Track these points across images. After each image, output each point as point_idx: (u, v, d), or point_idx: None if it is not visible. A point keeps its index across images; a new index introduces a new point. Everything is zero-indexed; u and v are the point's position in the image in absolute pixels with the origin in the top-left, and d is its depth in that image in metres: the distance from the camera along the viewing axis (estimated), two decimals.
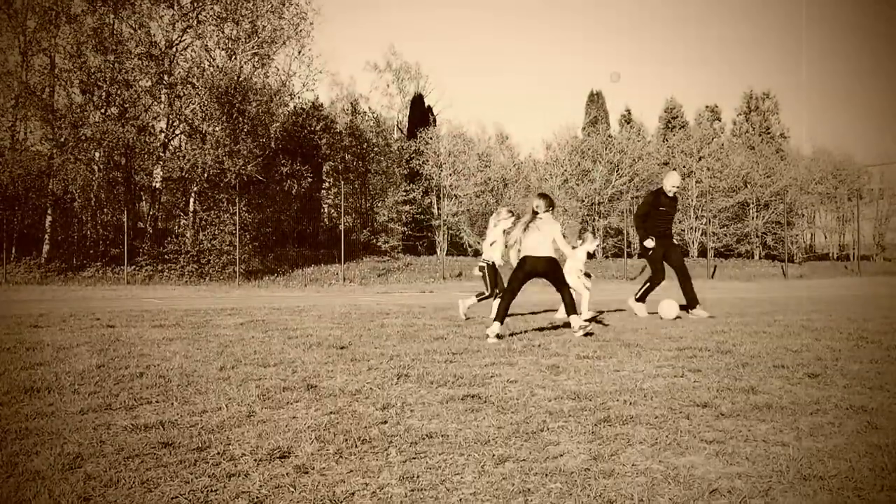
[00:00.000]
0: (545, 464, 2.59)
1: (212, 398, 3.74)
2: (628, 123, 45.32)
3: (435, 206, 35.14)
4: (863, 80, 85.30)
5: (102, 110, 24.90)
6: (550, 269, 6.64)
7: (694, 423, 3.17)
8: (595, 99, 44.25)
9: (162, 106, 25.74)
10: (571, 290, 6.91)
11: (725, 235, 39.48)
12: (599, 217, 37.64)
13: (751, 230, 40.16)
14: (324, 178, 35.22)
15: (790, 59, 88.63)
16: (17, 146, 24.26)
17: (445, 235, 33.68)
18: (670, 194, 8.87)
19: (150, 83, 25.07)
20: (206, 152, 24.37)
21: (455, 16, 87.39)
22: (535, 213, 6.71)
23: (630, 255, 34.09)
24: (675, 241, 9.32)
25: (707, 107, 47.54)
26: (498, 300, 7.65)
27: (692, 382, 4.17)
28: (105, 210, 25.75)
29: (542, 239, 6.64)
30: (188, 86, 25.06)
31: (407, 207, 33.93)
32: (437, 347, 5.72)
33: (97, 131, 23.56)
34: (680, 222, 38.71)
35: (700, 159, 39.97)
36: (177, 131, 26.94)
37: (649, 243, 8.76)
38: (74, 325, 7.76)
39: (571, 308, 6.64)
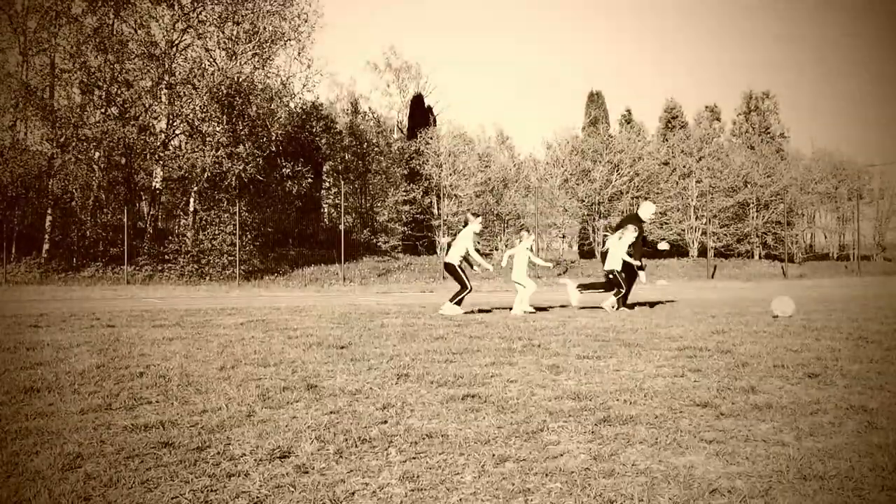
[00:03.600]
0: (545, 464, 2.59)
1: (212, 398, 3.74)
2: (628, 123, 45.30)
3: (435, 206, 35.14)
4: (863, 81, 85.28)
5: (103, 110, 24.89)
6: None
7: (694, 423, 3.17)
8: (595, 99, 44.25)
9: (162, 106, 25.72)
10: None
11: (725, 235, 39.44)
12: (599, 217, 37.63)
13: (751, 230, 40.15)
14: (324, 178, 35.21)
15: (790, 59, 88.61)
16: (17, 146, 24.24)
17: (445, 235, 33.65)
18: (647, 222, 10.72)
19: (150, 83, 25.06)
20: (206, 153, 24.37)
21: (455, 16, 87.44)
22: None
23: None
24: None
25: (707, 107, 47.55)
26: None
27: (692, 382, 4.17)
28: (105, 210, 25.72)
29: None
30: (188, 86, 25.06)
31: (407, 207, 33.94)
32: (437, 347, 5.71)
33: (97, 131, 23.55)
34: (680, 222, 38.73)
35: (700, 159, 39.94)
36: (177, 131, 26.93)
37: (664, 245, 11.04)
38: (74, 325, 7.75)
39: None
